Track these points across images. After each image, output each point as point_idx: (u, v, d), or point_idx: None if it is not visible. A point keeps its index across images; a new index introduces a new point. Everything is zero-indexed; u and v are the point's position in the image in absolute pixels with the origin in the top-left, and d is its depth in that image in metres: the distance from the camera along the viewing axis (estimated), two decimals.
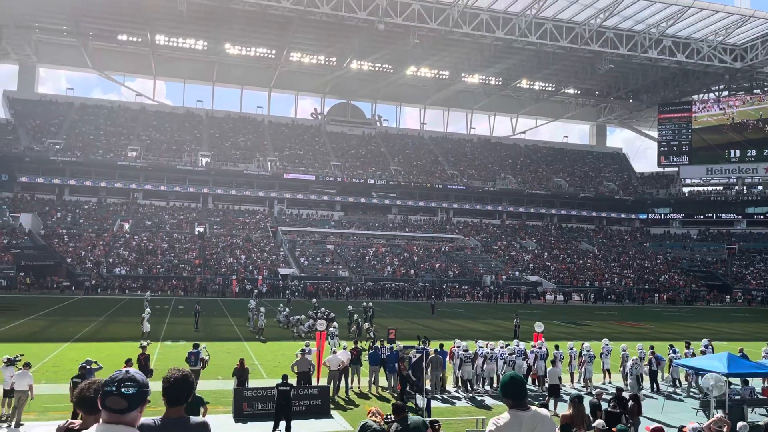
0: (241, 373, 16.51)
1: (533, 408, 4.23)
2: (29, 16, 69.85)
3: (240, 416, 15.05)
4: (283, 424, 13.70)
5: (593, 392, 15.88)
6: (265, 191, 73.17)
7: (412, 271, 61.03)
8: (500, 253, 70.46)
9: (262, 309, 29.84)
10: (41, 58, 79.45)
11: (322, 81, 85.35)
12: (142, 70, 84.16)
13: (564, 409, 15.61)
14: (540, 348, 19.95)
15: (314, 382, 18.14)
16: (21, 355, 15.13)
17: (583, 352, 19.99)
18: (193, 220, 67.33)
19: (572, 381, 20.51)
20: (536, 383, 19.86)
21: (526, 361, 19.85)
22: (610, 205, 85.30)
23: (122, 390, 2.44)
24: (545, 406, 12.14)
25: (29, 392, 14.07)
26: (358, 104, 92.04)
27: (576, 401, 10.00)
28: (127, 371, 2.52)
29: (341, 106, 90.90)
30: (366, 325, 29.07)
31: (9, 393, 14.19)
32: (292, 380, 15.96)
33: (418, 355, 16.69)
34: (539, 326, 21.42)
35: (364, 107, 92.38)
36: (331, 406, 16.50)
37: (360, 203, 76.61)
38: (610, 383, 20.17)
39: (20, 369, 14.23)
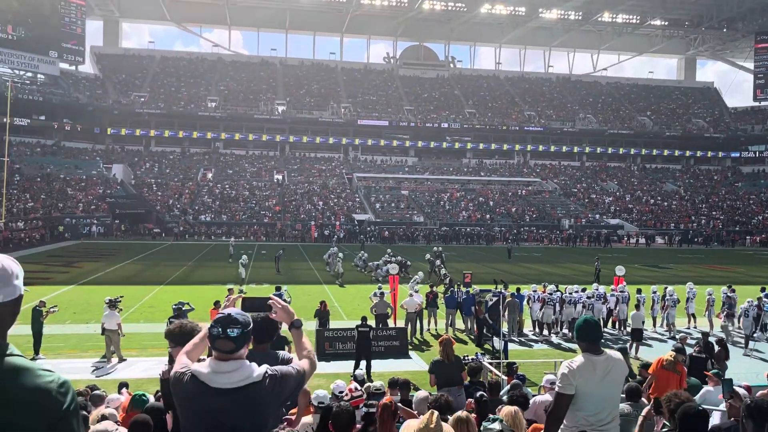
0: (323, 315, 17.17)
1: (607, 351, 4.23)
2: None
3: (322, 355, 15.72)
4: (363, 363, 14.23)
5: (677, 337, 15.53)
6: (340, 138, 73.84)
7: (488, 216, 60.57)
8: (579, 196, 68.58)
9: (340, 254, 30.69)
10: (123, 13, 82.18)
11: (394, 23, 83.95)
12: (217, 21, 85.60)
13: (647, 354, 15.41)
14: (622, 291, 19.57)
15: (391, 324, 18.66)
16: (121, 297, 16.31)
17: (667, 296, 19.46)
18: (272, 168, 69.10)
19: (654, 325, 20.08)
20: (617, 327, 19.60)
21: (606, 305, 19.56)
22: (698, 144, 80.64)
23: (228, 332, 2.65)
24: (625, 350, 11.98)
25: (119, 330, 15.23)
26: (431, 46, 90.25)
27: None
28: (229, 314, 2.72)
29: (414, 48, 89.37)
30: (443, 270, 29.32)
31: (104, 331, 15.41)
32: (371, 322, 16.45)
33: (495, 299, 16.77)
34: (620, 270, 20.95)
35: (437, 49, 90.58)
36: (409, 347, 16.96)
37: (434, 148, 76.04)
38: (694, 328, 19.63)
39: (108, 309, 15.34)
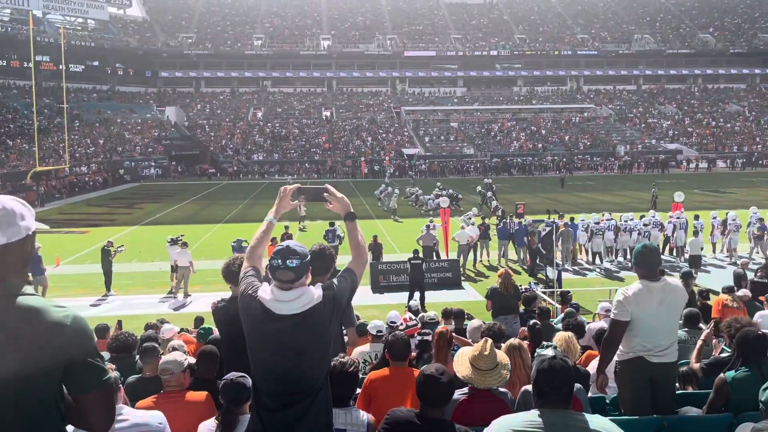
0: (375, 248, 17.47)
1: (665, 278, 4.19)
2: None
3: (377, 287, 16.11)
4: (417, 294, 14.52)
5: (738, 262, 15.15)
6: (387, 71, 72.70)
7: (540, 145, 59.23)
8: (636, 121, 66.03)
9: (396, 191, 30.96)
10: None
11: None
12: None
13: (705, 281, 15.12)
14: (679, 218, 19.08)
15: (443, 256, 18.84)
16: (182, 236, 16.96)
17: (729, 222, 18.88)
18: (320, 105, 68.96)
19: (714, 251, 19.63)
20: (674, 254, 19.24)
21: (663, 233, 19.17)
22: (765, 61, 75.64)
23: (287, 263, 2.75)
24: (690, 273, 11.76)
25: (190, 267, 15.91)
26: None
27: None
28: (287, 245, 2.80)
29: None
30: (495, 202, 29.14)
31: (174, 268, 16.14)
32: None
33: (548, 229, 16.65)
34: (679, 196, 20.38)
35: None
36: (462, 278, 17.15)
37: (483, 77, 74.07)
38: (757, 253, 19.07)
39: (180, 248, 15.99)
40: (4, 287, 1.91)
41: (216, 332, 5.91)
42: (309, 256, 2.83)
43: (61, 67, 47.93)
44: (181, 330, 8.72)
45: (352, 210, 3.21)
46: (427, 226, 18.44)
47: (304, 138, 60.31)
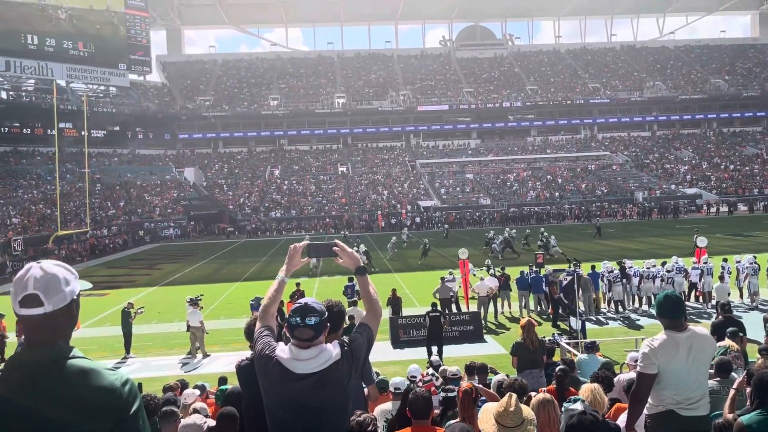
0: (395, 302, 17.29)
1: (691, 327, 4.07)
2: None
3: (397, 343, 15.87)
4: (435, 349, 14.25)
5: (759, 306, 14.75)
6: (400, 126, 73.83)
7: (557, 194, 59.19)
8: (652, 167, 65.92)
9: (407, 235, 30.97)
10: (185, 21, 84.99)
11: (448, 5, 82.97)
12: (274, 20, 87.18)
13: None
14: (705, 263, 18.74)
15: (463, 308, 18.60)
16: (201, 296, 16.96)
17: (746, 265, 18.49)
18: (336, 161, 69.91)
19: (741, 296, 19.16)
20: (702, 301, 18.81)
21: (687, 279, 18.81)
22: None
23: (307, 321, 2.74)
24: (735, 333, 11.45)
25: (202, 327, 15.84)
26: (487, 25, 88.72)
27: None
28: (306, 303, 2.80)
29: (470, 29, 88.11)
30: (514, 254, 28.96)
31: (188, 329, 16.08)
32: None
33: (569, 278, 16.41)
34: (702, 241, 20.09)
35: (493, 28, 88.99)
36: (484, 330, 16.86)
37: (496, 128, 74.87)
38: None
39: (192, 308, 15.95)
40: (54, 351, 1.94)
41: (232, 387, 5.84)
42: (326, 314, 2.80)
43: (83, 133, 49.31)
44: (202, 390, 8.59)
45: (362, 264, 3.19)
46: (443, 279, 18.26)
47: (320, 194, 60.90)
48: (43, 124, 57.61)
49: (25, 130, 59.59)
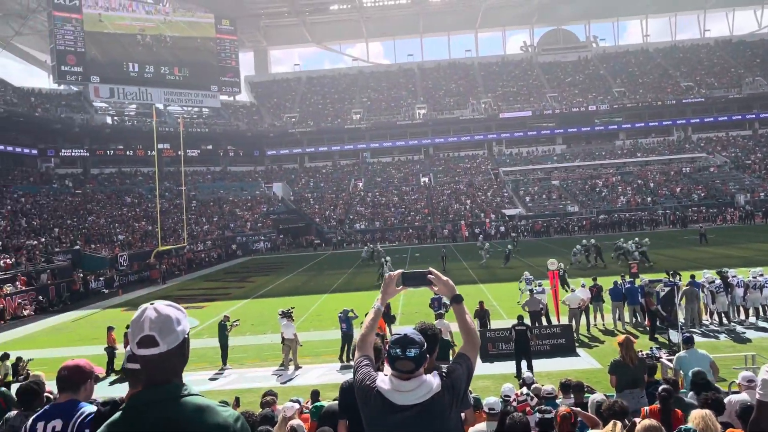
0: (482, 315, 17.08)
1: None
2: (256, 5, 77.94)
3: (486, 357, 15.62)
4: (524, 363, 13.94)
5: None
6: (483, 134, 73.10)
7: (649, 199, 56.63)
8: (755, 167, 61.76)
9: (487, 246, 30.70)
10: (270, 42, 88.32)
11: (528, 10, 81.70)
12: (355, 35, 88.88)
13: None
14: None
15: (554, 321, 18.13)
16: (292, 308, 17.41)
17: None
18: (418, 171, 70.13)
19: None
20: None
21: None
22: None
23: (407, 353, 2.75)
24: None
25: (296, 339, 16.23)
26: (570, 28, 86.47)
27: None
28: (405, 334, 2.80)
29: (551, 33, 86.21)
30: (601, 263, 27.98)
31: (283, 340, 16.53)
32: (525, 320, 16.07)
33: (667, 289, 15.65)
34: None
35: (576, 30, 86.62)
36: (576, 344, 16.34)
37: (582, 133, 72.66)
38: None
39: (286, 320, 16.39)
40: (170, 390, 2.07)
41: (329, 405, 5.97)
42: (426, 345, 2.81)
43: (179, 153, 52.04)
44: (298, 405, 8.79)
45: (457, 292, 3.15)
46: (532, 291, 17.86)
47: (403, 205, 61.22)
48: (144, 146, 61.24)
49: (128, 152, 63.58)
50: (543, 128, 73.02)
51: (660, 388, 5.97)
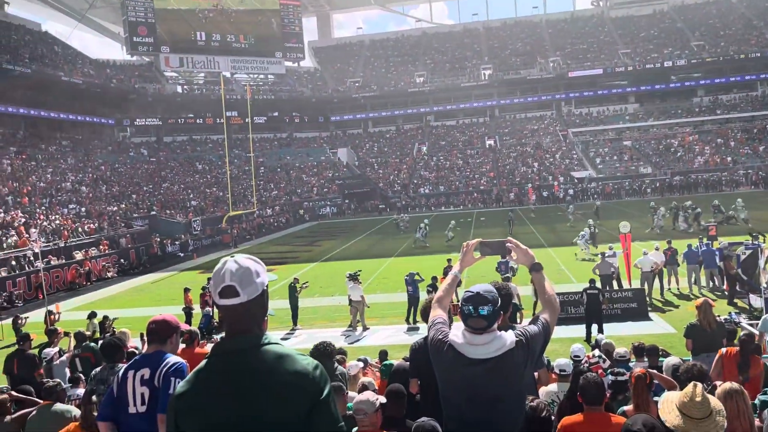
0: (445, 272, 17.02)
1: None
2: None
3: None
4: (595, 327, 13.72)
5: None
6: (550, 94, 70.86)
7: (729, 159, 53.75)
8: None
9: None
10: (333, 6, 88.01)
11: None
12: None
13: None
14: None
15: (625, 285, 17.68)
16: (359, 271, 17.69)
17: None
18: (483, 134, 68.96)
19: None
20: None
21: None
22: None
23: (480, 311, 2.76)
24: None
25: (363, 301, 16.51)
26: None
27: None
28: (478, 292, 2.80)
29: None
30: (683, 225, 26.90)
31: (350, 302, 16.87)
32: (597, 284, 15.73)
33: (748, 252, 14.93)
34: None
35: None
36: (649, 308, 15.91)
37: (657, 90, 69.23)
38: None
39: (353, 283, 16.67)
40: (251, 339, 2.13)
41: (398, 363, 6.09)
42: (499, 302, 2.80)
43: (247, 120, 53.07)
44: (365, 364, 9.01)
45: (536, 261, 3.13)
46: (603, 254, 17.42)
47: (468, 169, 60.54)
48: (213, 114, 62.76)
49: (198, 120, 65.36)
50: (614, 87, 70.06)
51: (741, 333, 5.80)
